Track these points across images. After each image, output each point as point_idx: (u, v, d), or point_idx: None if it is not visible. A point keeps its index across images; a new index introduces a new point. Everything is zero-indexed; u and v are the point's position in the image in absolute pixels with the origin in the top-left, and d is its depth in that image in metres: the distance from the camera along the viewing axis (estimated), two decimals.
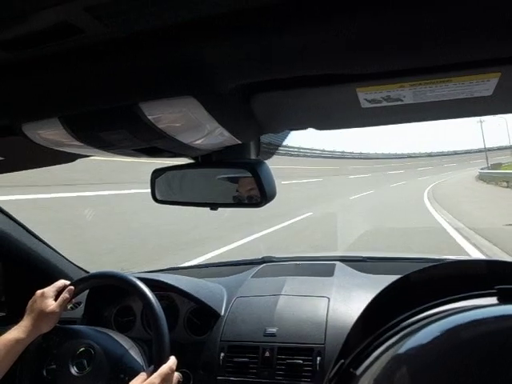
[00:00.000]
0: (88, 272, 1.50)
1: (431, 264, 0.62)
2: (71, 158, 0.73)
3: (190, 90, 0.43)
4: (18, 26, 0.34)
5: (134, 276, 1.06)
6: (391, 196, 16.17)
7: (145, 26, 0.37)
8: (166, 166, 0.79)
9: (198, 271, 1.65)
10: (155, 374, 0.88)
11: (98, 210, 6.84)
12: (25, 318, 1.00)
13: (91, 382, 0.98)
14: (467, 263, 0.62)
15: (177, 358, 0.95)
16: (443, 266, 0.62)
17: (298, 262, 1.57)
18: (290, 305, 1.23)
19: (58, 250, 1.46)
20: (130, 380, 0.89)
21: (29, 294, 1.36)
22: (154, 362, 0.92)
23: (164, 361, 0.92)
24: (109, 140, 0.52)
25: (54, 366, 1.02)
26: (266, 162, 0.73)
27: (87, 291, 1.31)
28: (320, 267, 1.49)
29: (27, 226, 1.37)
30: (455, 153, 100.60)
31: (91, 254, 4.68)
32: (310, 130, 0.67)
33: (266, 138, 0.74)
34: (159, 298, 1.02)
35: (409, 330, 0.50)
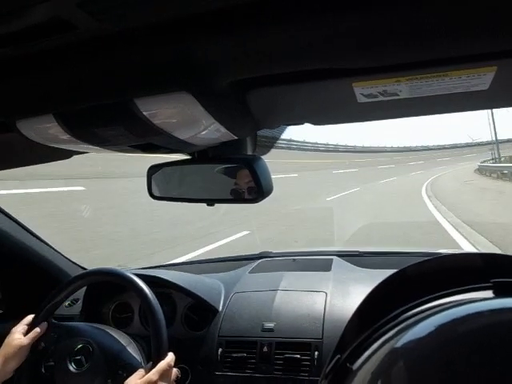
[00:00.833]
0: (85, 269, 1.50)
1: (427, 258, 0.63)
2: (67, 154, 0.72)
3: (185, 85, 0.43)
4: (10, 22, 0.34)
5: (132, 272, 1.06)
6: (380, 195, 13.12)
7: (139, 22, 0.37)
8: (162, 162, 0.79)
9: (196, 267, 1.66)
10: (153, 371, 0.88)
11: None
12: None
13: (89, 379, 0.98)
14: (463, 256, 0.62)
15: (175, 353, 0.95)
16: (439, 259, 0.62)
17: (295, 257, 1.57)
18: (288, 300, 1.23)
19: (54, 247, 1.46)
20: (128, 376, 0.89)
21: (26, 291, 1.36)
22: (152, 358, 0.93)
23: (162, 357, 0.92)
24: (104, 136, 0.51)
25: (52, 363, 1.02)
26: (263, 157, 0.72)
27: (85, 288, 1.31)
28: (317, 262, 1.50)
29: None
30: (444, 147, 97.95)
31: None
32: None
33: (261, 132, 0.74)
34: (156, 294, 1.02)
35: (405, 324, 0.50)
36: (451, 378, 0.38)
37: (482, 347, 0.39)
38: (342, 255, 1.53)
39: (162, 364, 0.90)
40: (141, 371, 0.89)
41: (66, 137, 0.51)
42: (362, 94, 0.49)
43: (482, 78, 0.45)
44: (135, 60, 0.41)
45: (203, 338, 1.21)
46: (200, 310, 1.27)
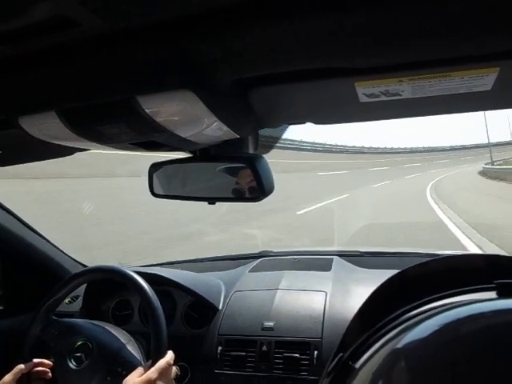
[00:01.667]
0: (86, 266, 1.50)
1: (429, 258, 0.63)
2: (69, 151, 0.73)
3: (187, 83, 0.43)
4: (13, 20, 0.34)
5: (132, 270, 1.06)
6: (373, 205, 10.07)
7: (141, 20, 0.37)
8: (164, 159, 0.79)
9: (196, 265, 1.66)
10: (153, 369, 0.88)
11: None
12: None
13: (89, 376, 0.98)
14: (466, 257, 0.62)
15: (174, 351, 0.95)
16: (442, 260, 0.62)
17: (295, 257, 1.57)
18: (288, 299, 1.23)
19: (55, 244, 1.46)
20: (127, 374, 0.89)
21: (26, 288, 1.36)
22: (152, 356, 0.93)
23: (162, 355, 0.92)
24: (106, 134, 0.51)
25: (52, 360, 1.02)
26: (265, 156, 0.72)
27: (85, 285, 1.31)
28: (317, 262, 1.50)
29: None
30: (444, 149, 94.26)
31: None
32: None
33: (264, 132, 0.74)
34: (157, 292, 1.02)
35: (407, 324, 0.50)
36: (453, 379, 0.38)
37: (485, 348, 0.39)
38: (343, 255, 1.53)
39: (162, 362, 0.90)
40: (140, 369, 0.89)
41: (68, 134, 0.52)
42: (364, 93, 0.49)
43: (484, 79, 0.45)
44: (138, 58, 0.41)
45: (203, 336, 1.21)
46: (200, 309, 1.27)
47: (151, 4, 0.34)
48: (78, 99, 0.47)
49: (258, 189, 0.70)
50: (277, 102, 0.55)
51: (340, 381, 0.52)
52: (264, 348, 1.12)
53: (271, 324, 1.16)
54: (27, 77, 0.45)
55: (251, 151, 0.77)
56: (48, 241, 1.43)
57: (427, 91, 0.48)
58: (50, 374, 1.00)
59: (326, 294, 1.22)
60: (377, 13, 0.34)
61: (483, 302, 0.48)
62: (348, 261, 1.48)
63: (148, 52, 0.41)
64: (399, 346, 0.46)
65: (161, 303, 1.00)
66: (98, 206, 6.88)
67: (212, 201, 0.79)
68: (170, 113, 0.47)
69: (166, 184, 0.83)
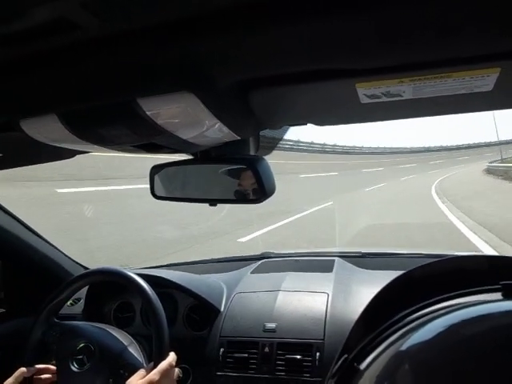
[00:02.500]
0: (87, 268, 1.50)
1: (432, 259, 0.62)
2: (71, 153, 0.73)
3: (188, 85, 0.43)
4: (14, 22, 0.34)
5: (134, 272, 1.06)
6: (361, 217, 7.52)
7: (142, 22, 0.37)
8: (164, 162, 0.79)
9: (197, 267, 1.66)
10: (155, 371, 0.88)
11: None
12: None
13: (91, 378, 0.98)
14: (471, 259, 0.61)
15: (176, 353, 0.95)
16: (447, 261, 0.61)
17: (297, 258, 1.57)
18: (289, 300, 1.23)
19: (57, 247, 1.46)
20: (129, 376, 0.89)
21: (28, 290, 1.36)
22: (154, 358, 0.93)
23: (164, 357, 0.92)
24: (107, 136, 0.51)
25: (54, 362, 1.02)
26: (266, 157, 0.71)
27: (87, 287, 1.31)
28: (319, 263, 1.49)
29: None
30: (429, 150, 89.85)
31: None
32: None
33: (266, 133, 0.74)
34: (158, 294, 1.02)
35: (412, 325, 0.50)
36: (459, 381, 0.38)
37: (490, 349, 0.38)
38: (344, 256, 1.53)
39: (164, 364, 0.90)
40: (142, 371, 0.89)
41: (69, 136, 0.52)
42: (365, 94, 0.48)
43: (485, 80, 0.45)
44: (138, 60, 0.41)
45: (205, 338, 1.21)
46: (202, 310, 1.27)
47: (151, 6, 0.34)
48: (79, 102, 0.47)
49: (259, 190, 0.70)
50: (277, 104, 0.55)
51: (345, 382, 0.51)
52: (266, 350, 1.12)
53: (273, 325, 1.16)
54: (28, 79, 0.45)
55: (252, 153, 0.76)
56: (50, 243, 1.43)
57: (428, 92, 0.48)
58: (53, 379, 1.00)
59: (328, 295, 1.22)
60: (379, 14, 0.34)
61: (489, 303, 0.48)
62: (349, 262, 1.48)
63: (149, 54, 0.41)
64: (404, 347, 0.46)
65: (162, 305, 1.00)
66: None
67: (213, 202, 0.79)
68: (170, 115, 0.47)
69: (167, 186, 0.83)
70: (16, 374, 0.95)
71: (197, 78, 0.42)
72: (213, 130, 0.53)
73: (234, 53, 0.40)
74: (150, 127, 0.48)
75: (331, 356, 0.59)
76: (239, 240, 5.69)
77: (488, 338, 0.40)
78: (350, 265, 1.45)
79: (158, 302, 0.99)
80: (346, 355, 0.55)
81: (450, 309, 0.48)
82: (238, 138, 0.61)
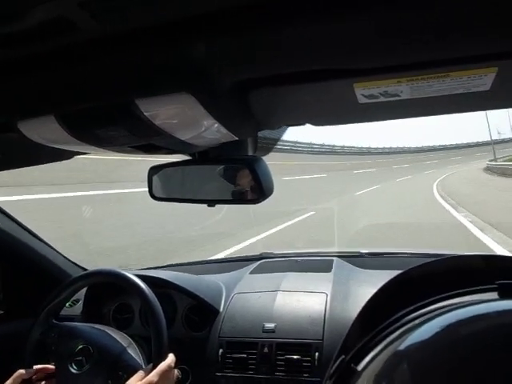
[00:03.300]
0: (86, 269, 1.49)
1: (430, 259, 0.62)
2: (69, 155, 0.73)
3: (186, 86, 0.43)
4: (11, 23, 0.34)
5: (132, 273, 1.06)
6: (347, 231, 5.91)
7: (140, 23, 0.37)
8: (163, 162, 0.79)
9: (196, 268, 1.65)
10: (154, 372, 0.88)
11: None
12: None
13: (90, 380, 0.98)
14: (467, 258, 0.62)
15: (175, 354, 0.95)
16: (443, 260, 0.62)
17: (295, 258, 1.57)
18: (288, 301, 1.23)
19: (55, 248, 1.46)
20: (128, 377, 0.89)
21: (27, 292, 1.36)
22: (153, 359, 0.93)
23: (162, 358, 0.92)
24: (105, 137, 0.51)
25: (53, 364, 1.02)
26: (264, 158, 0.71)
27: (85, 288, 1.31)
28: (318, 263, 1.49)
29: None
30: (421, 150, 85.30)
31: None
32: None
33: (262, 133, 0.74)
34: (157, 294, 1.02)
35: (409, 325, 0.50)
36: (456, 381, 0.38)
37: (488, 349, 0.38)
38: (343, 256, 1.53)
39: (163, 365, 0.90)
40: (141, 372, 0.89)
41: (67, 138, 0.51)
42: (362, 94, 0.48)
43: (483, 79, 0.45)
44: (136, 61, 0.41)
45: (204, 338, 1.21)
46: (201, 311, 1.27)
47: (149, 7, 0.34)
48: (77, 103, 0.47)
49: (258, 190, 0.70)
50: (276, 104, 0.55)
51: (343, 383, 0.51)
52: (265, 350, 1.12)
53: (272, 326, 1.16)
54: (25, 80, 0.45)
55: (250, 153, 0.77)
56: (48, 244, 1.43)
57: (426, 92, 0.48)
58: (52, 380, 0.99)
59: (327, 295, 1.22)
60: (378, 15, 0.34)
61: (485, 302, 0.48)
62: (348, 262, 1.48)
63: (146, 55, 0.41)
64: (401, 347, 0.46)
65: (161, 306, 0.99)
66: None
67: (211, 203, 0.79)
68: (168, 116, 0.47)
69: (165, 186, 0.83)
70: (14, 375, 0.94)
71: (195, 79, 0.42)
72: (211, 131, 0.53)
73: (231, 54, 0.40)
74: (149, 128, 0.48)
75: (330, 356, 0.59)
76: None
77: (485, 338, 0.40)
78: (349, 265, 1.45)
79: (157, 302, 0.99)
80: (343, 356, 0.55)
81: (447, 308, 0.48)
82: (237, 138, 0.61)
